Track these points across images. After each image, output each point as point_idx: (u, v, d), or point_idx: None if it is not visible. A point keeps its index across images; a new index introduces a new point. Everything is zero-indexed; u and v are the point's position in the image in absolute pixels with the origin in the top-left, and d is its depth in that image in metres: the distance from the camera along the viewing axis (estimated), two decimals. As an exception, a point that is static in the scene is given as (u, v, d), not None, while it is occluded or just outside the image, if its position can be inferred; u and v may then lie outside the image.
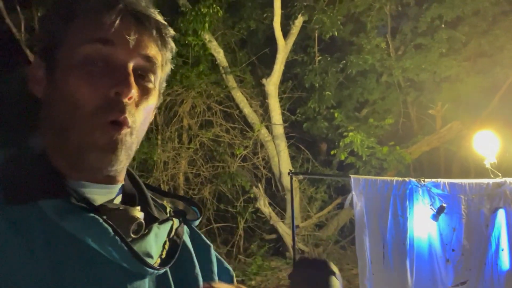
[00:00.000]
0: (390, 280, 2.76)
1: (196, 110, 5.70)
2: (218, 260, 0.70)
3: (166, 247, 0.60)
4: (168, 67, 0.63)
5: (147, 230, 0.58)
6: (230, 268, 0.73)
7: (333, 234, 5.72)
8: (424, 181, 2.80)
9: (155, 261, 0.57)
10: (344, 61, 5.81)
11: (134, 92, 0.54)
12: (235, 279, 0.73)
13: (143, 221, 0.58)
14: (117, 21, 0.55)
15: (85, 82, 0.54)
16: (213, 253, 0.70)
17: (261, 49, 6.07)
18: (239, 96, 5.55)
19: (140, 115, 0.57)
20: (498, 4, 5.56)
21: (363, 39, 5.74)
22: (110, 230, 0.53)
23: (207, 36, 5.31)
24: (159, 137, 5.58)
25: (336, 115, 5.57)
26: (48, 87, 0.57)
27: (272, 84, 5.39)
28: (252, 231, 5.82)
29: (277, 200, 5.77)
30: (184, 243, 0.64)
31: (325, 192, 5.90)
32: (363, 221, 2.74)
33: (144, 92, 0.57)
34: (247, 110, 5.55)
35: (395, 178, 2.82)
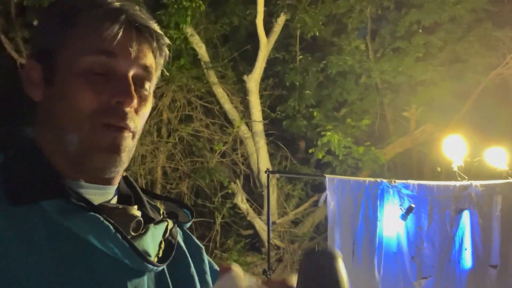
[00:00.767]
0: (358, 276, 2.87)
1: (176, 104, 5.68)
2: (209, 262, 0.73)
3: (162, 246, 0.63)
4: (159, 72, 0.66)
5: (144, 230, 0.61)
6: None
7: (309, 231, 5.83)
8: (395, 182, 2.92)
9: (153, 259, 0.59)
10: (325, 61, 5.89)
11: (136, 101, 0.58)
12: None
13: (141, 219, 0.60)
14: (120, 33, 0.57)
15: (87, 89, 0.56)
16: (205, 254, 0.73)
17: (243, 46, 6.08)
18: (220, 92, 5.55)
19: (140, 121, 0.61)
20: (473, 12, 5.75)
21: (343, 40, 5.84)
22: (111, 227, 0.55)
23: (189, 30, 5.28)
24: (138, 130, 5.53)
25: (315, 114, 5.66)
26: (47, 91, 0.59)
27: (253, 81, 5.42)
28: (229, 226, 5.87)
29: (255, 196, 5.83)
30: (178, 243, 0.66)
31: (302, 189, 6.00)
32: (335, 219, 2.84)
33: (143, 99, 0.61)
34: (228, 106, 5.57)
35: (368, 179, 2.93)
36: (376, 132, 6.15)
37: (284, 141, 6.04)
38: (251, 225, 5.64)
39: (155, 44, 0.61)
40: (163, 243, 0.63)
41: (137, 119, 0.60)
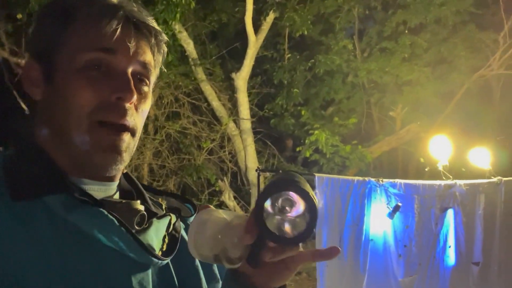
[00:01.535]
0: (344, 274, 2.91)
1: (163, 101, 5.62)
2: None
3: (166, 240, 0.63)
4: (158, 69, 0.66)
5: (147, 224, 0.61)
6: None
7: (295, 229, 5.86)
8: (382, 181, 2.96)
9: (157, 253, 0.60)
10: (313, 60, 5.93)
11: (135, 97, 0.58)
12: None
13: (145, 213, 0.61)
14: (118, 30, 0.57)
15: (87, 86, 0.56)
16: None
17: (231, 43, 6.06)
18: (208, 89, 5.52)
19: (140, 118, 0.61)
20: (458, 14, 5.86)
21: (331, 39, 5.88)
22: (115, 221, 0.55)
23: (177, 27, 5.23)
24: (124, 127, 5.46)
25: (303, 112, 5.69)
26: (47, 90, 0.59)
27: (241, 78, 5.41)
28: (216, 224, 5.85)
29: (242, 194, 5.83)
30: (182, 237, 0.66)
31: (289, 187, 6.02)
32: (323, 217, 2.87)
33: (142, 96, 0.61)
34: (216, 103, 5.54)
35: (356, 178, 2.96)
36: (362, 131, 6.23)
37: (272, 139, 6.06)
38: (238, 223, 5.64)
39: (153, 41, 0.61)
40: (166, 237, 0.63)
41: (137, 116, 0.60)
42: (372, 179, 2.98)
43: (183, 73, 5.63)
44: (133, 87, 0.58)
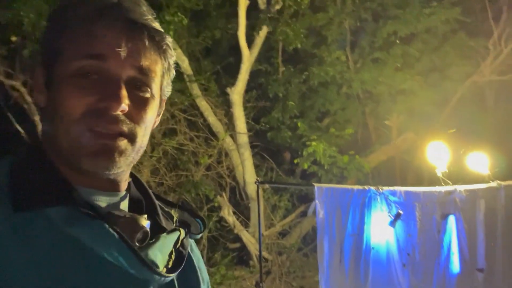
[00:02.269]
0: (344, 285, 2.87)
1: (159, 118, 5.62)
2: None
3: (173, 257, 0.61)
4: (172, 72, 0.64)
5: (154, 239, 0.59)
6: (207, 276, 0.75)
7: (296, 242, 5.80)
8: (382, 189, 2.95)
9: (161, 269, 0.58)
10: (307, 72, 5.97)
11: (124, 106, 0.55)
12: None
13: (148, 230, 0.59)
14: (109, 34, 0.55)
15: (76, 93, 0.55)
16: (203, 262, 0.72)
17: (225, 58, 6.11)
18: (203, 105, 5.54)
19: (140, 125, 0.58)
20: (447, 23, 5.96)
21: (324, 51, 5.94)
22: (117, 236, 0.54)
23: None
24: (121, 145, 5.44)
25: (299, 124, 5.70)
26: (48, 96, 0.59)
27: (236, 93, 5.43)
28: (216, 240, 5.79)
29: (241, 209, 5.79)
30: (189, 254, 0.65)
31: (288, 200, 5.99)
32: (324, 228, 2.84)
33: (141, 102, 0.58)
34: (212, 118, 5.55)
35: (356, 187, 2.95)
36: (359, 141, 6.24)
37: (269, 153, 6.05)
38: (238, 238, 5.58)
39: (149, 42, 0.58)
40: (173, 253, 0.62)
41: (134, 123, 0.57)
42: (372, 188, 2.97)
43: (179, 89, 5.65)
44: (121, 95, 0.55)
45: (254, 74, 5.93)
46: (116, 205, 0.61)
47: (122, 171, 0.59)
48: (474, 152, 3.35)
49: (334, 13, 5.88)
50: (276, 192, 5.93)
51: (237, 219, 5.48)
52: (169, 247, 0.61)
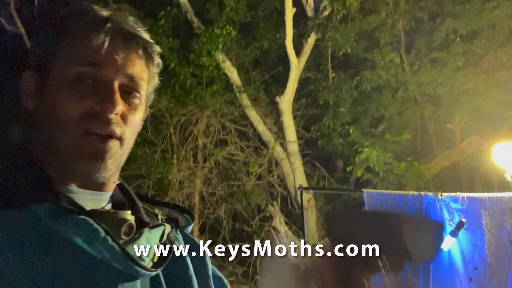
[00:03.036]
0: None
1: (210, 129, 5.74)
2: (213, 268, 0.71)
3: (158, 251, 0.62)
4: (155, 81, 0.68)
5: (138, 234, 0.60)
6: (224, 277, 0.73)
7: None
8: (441, 195, 2.71)
9: (147, 264, 0.59)
10: (358, 77, 5.79)
11: (119, 108, 0.59)
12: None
13: (134, 223, 0.60)
14: (106, 43, 0.59)
15: (73, 97, 0.59)
16: (209, 259, 0.71)
17: (274, 68, 6.13)
18: (253, 115, 5.57)
19: (129, 128, 0.62)
20: (514, 16, 5.47)
21: (376, 55, 5.73)
22: (101, 230, 0.55)
23: (220, 57, 5.40)
24: (175, 156, 5.63)
25: (351, 131, 5.51)
26: (40, 100, 0.62)
27: (285, 101, 5.40)
28: (269, 250, 5.72)
29: (294, 218, 5.68)
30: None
31: (343, 209, 5.78)
32: (377, 237, 2.66)
33: (131, 107, 0.62)
34: (261, 128, 5.56)
35: (411, 192, 2.74)
36: (418, 147, 5.87)
37: (320, 161, 5.91)
38: (291, 249, 5.46)
39: (141, 52, 0.63)
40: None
41: (125, 126, 0.61)
42: (430, 193, 2.74)
43: (229, 100, 5.75)
44: (116, 99, 0.59)
45: (303, 82, 5.87)
46: (101, 204, 0.62)
47: (112, 173, 0.62)
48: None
49: (386, 15, 5.66)
50: (329, 201, 5.75)
51: (289, 229, 5.38)
52: (155, 241, 0.62)
